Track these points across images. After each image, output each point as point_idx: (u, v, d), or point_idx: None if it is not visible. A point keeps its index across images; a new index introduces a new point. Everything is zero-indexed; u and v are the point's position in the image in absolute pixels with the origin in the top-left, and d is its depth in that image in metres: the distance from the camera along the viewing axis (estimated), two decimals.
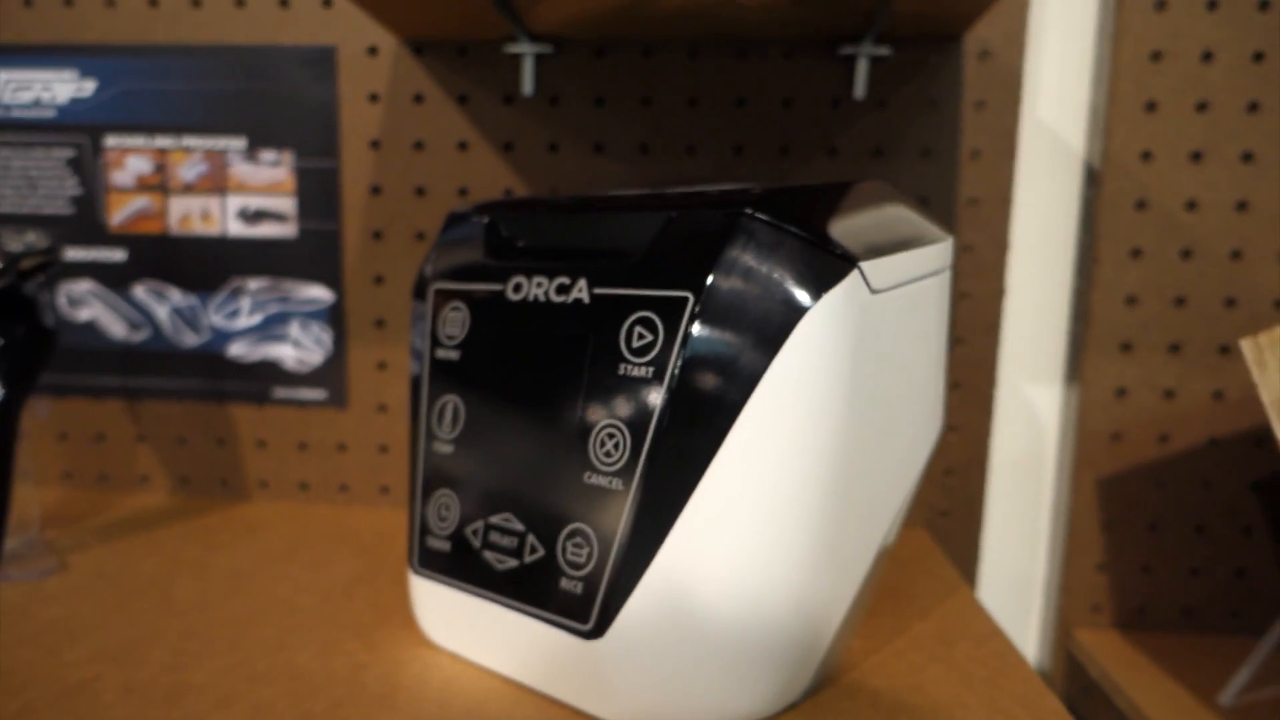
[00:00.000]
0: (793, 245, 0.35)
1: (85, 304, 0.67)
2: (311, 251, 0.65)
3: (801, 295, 0.34)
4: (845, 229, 0.37)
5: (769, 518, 0.35)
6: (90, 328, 0.67)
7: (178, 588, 0.51)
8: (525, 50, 0.60)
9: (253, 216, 0.65)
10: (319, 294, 0.65)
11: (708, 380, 0.35)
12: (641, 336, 0.36)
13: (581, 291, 0.39)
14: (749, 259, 0.35)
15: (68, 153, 0.65)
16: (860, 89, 0.59)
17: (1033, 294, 0.64)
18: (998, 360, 0.63)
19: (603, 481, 0.36)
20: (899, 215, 0.43)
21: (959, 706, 0.39)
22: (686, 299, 0.35)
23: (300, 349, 0.66)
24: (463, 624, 0.42)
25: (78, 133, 0.65)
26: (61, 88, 0.65)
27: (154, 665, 0.41)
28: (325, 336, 0.66)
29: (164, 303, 0.66)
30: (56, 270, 0.58)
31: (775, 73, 0.60)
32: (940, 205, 0.61)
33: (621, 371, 0.37)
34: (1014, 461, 0.66)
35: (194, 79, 0.64)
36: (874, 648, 0.45)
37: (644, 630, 0.36)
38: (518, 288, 0.41)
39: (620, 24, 0.56)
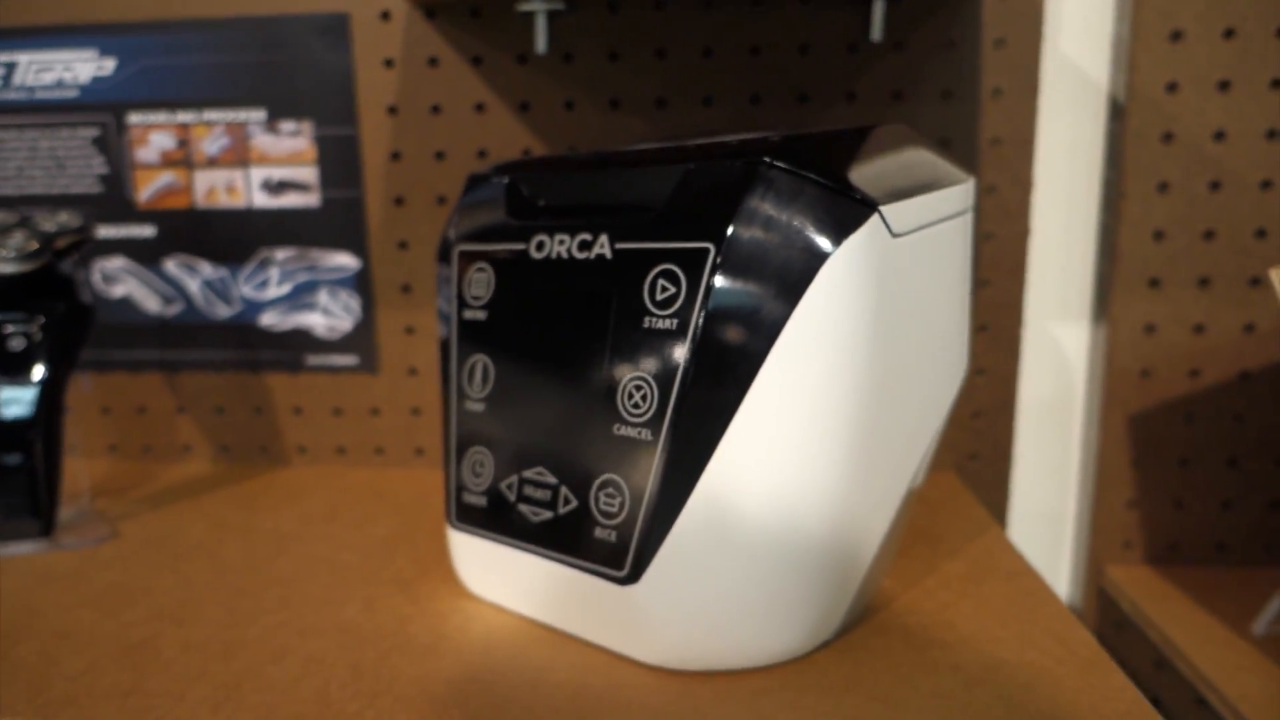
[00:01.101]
0: (812, 192, 0.35)
1: (119, 280, 0.68)
2: (335, 220, 0.66)
3: (823, 241, 0.35)
4: (865, 174, 0.37)
5: (797, 462, 0.36)
6: (126, 303, 0.69)
7: (226, 550, 0.53)
8: (537, 7, 0.60)
9: (276, 187, 0.66)
10: (345, 261, 0.66)
11: (731, 330, 0.35)
12: (664, 289, 0.37)
13: (604, 247, 0.39)
14: (769, 208, 0.35)
15: (93, 132, 0.66)
16: (877, 31, 0.58)
17: (1059, 233, 0.63)
18: (1024, 301, 0.63)
19: (632, 433, 0.37)
20: (919, 158, 0.42)
21: (990, 640, 0.40)
22: (708, 250, 0.36)
23: (330, 316, 0.67)
24: (501, 575, 0.43)
25: (101, 111, 0.66)
26: (82, 67, 0.65)
27: (209, 623, 0.43)
28: (353, 303, 0.67)
29: (195, 276, 0.68)
30: (90, 248, 0.59)
31: (790, 19, 0.60)
32: (962, 146, 0.60)
33: (646, 325, 0.37)
34: (1043, 402, 0.66)
35: (212, 52, 0.64)
36: (904, 588, 0.46)
37: (677, 575, 0.36)
38: (540, 246, 0.42)
39: None
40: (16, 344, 0.54)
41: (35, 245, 0.54)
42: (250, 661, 0.39)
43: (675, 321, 0.36)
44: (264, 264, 0.67)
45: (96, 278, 0.69)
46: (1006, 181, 0.60)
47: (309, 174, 0.65)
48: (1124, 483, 0.62)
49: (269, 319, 0.68)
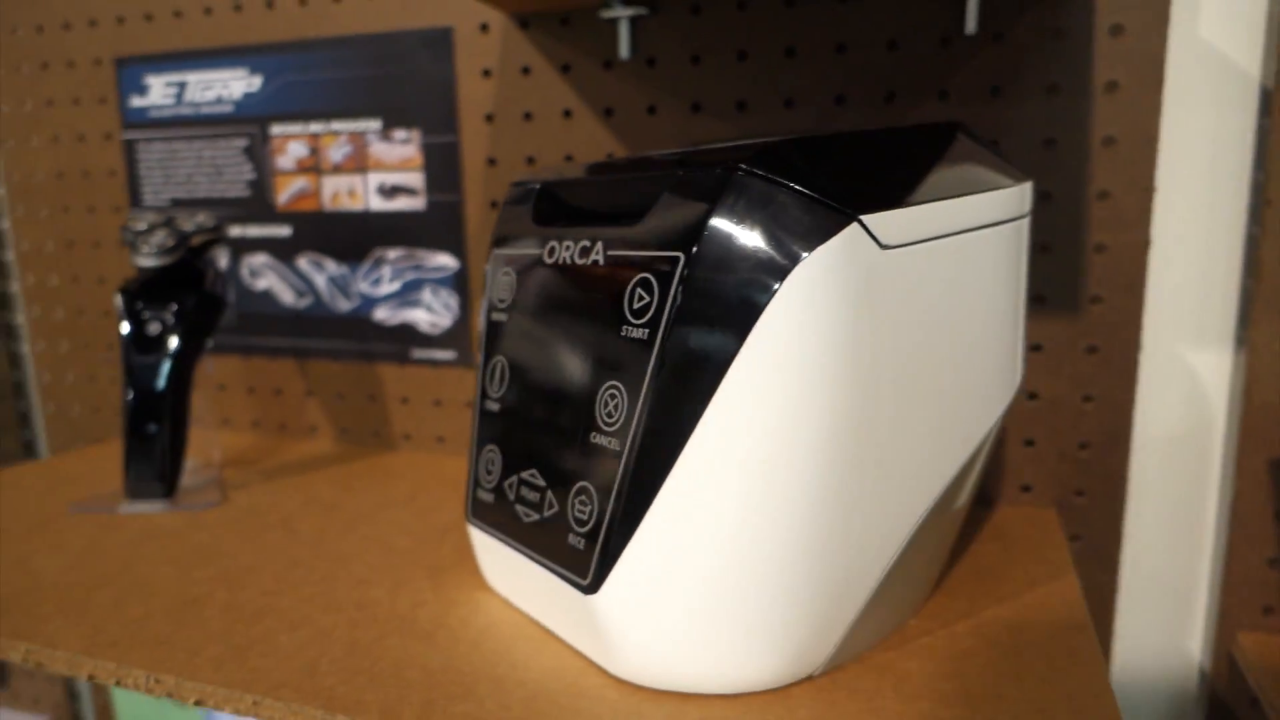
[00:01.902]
0: (784, 200, 0.33)
1: (261, 275, 0.76)
2: (438, 222, 0.70)
3: (787, 251, 0.33)
4: (858, 180, 0.35)
5: (760, 481, 0.34)
6: (267, 295, 0.77)
7: (304, 524, 0.57)
8: (620, 14, 0.60)
9: (389, 191, 0.71)
10: (446, 261, 0.70)
11: (694, 341, 0.34)
12: (641, 298, 0.36)
13: (599, 254, 0.39)
14: (738, 217, 0.34)
15: (243, 142, 0.74)
16: (972, 22, 0.54)
17: (1194, 244, 0.55)
18: (1143, 321, 0.55)
19: (604, 441, 0.37)
20: (958, 162, 0.39)
21: (992, 698, 0.36)
22: (678, 259, 0.35)
23: (432, 313, 0.71)
24: (505, 571, 0.44)
25: (250, 124, 0.74)
26: (236, 84, 0.74)
27: (255, 589, 0.48)
28: (453, 301, 0.70)
29: (322, 272, 0.74)
30: (222, 245, 0.67)
31: (878, 13, 0.56)
32: (1069, 147, 0.54)
33: (624, 333, 0.37)
34: (1167, 437, 0.57)
35: (337, 68, 0.70)
36: (930, 628, 0.42)
37: (635, 589, 0.36)
38: (551, 251, 0.42)
39: None
40: (153, 328, 0.62)
41: (172, 242, 0.62)
42: (269, 628, 0.43)
43: (646, 331, 0.36)
44: (378, 263, 0.72)
45: (244, 272, 0.77)
46: (1121, 186, 0.53)
47: (417, 179, 0.69)
48: (1263, 537, 0.53)
49: (381, 314, 0.73)
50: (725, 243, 0.34)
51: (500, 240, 0.47)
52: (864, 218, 0.33)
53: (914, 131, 0.40)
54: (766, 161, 0.34)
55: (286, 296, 0.76)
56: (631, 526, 0.36)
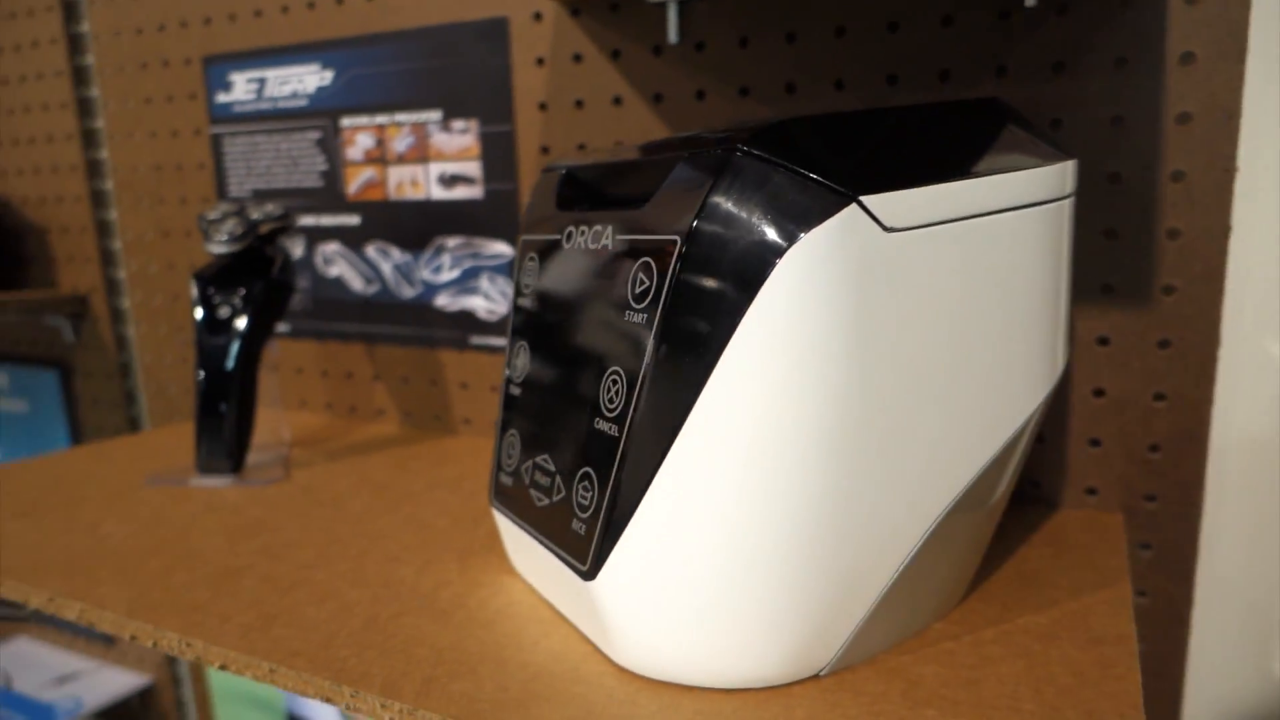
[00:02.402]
0: (780, 180, 0.32)
1: (334, 262, 0.79)
2: (495, 210, 0.71)
3: (783, 233, 0.31)
4: (866, 159, 0.33)
5: (756, 468, 0.33)
6: (339, 282, 0.80)
7: (353, 502, 0.59)
8: None
9: (449, 181, 0.72)
10: (502, 249, 0.71)
11: (690, 325, 0.33)
12: (642, 282, 0.36)
13: (609, 238, 0.39)
14: (734, 198, 0.33)
15: (316, 134, 0.77)
16: None
17: (1277, 229, 0.50)
18: (1222, 313, 0.51)
19: (606, 427, 0.37)
20: (987, 140, 0.37)
21: (1008, 710, 0.34)
22: (675, 243, 0.34)
23: (489, 300, 0.72)
24: (523, 554, 0.45)
25: (323, 117, 0.77)
26: (309, 79, 0.77)
27: (293, 562, 0.49)
28: (508, 288, 0.71)
29: (388, 260, 0.76)
30: (290, 233, 0.70)
31: None
32: (1140, 124, 0.50)
33: (626, 318, 0.36)
34: (1249, 440, 0.53)
35: (401, 60, 0.72)
36: (956, 633, 0.40)
37: (631, 577, 0.35)
38: (569, 236, 0.42)
39: None
40: (223, 312, 0.65)
41: (241, 230, 0.65)
42: (298, 600, 0.45)
43: (645, 316, 0.35)
44: (439, 250, 0.74)
45: (319, 259, 0.80)
46: (1198, 166, 0.49)
47: (474, 168, 0.71)
48: None
49: (442, 300, 0.75)
50: (721, 224, 0.33)
51: (527, 225, 0.47)
52: (864, 199, 0.32)
53: (939, 109, 0.38)
54: (765, 141, 0.33)
55: (356, 283, 0.79)
56: (628, 513, 0.35)
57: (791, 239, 0.31)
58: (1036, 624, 0.41)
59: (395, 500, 0.60)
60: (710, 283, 0.33)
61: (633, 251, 0.37)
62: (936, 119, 0.37)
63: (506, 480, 0.45)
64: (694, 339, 0.33)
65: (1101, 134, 0.51)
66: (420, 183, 0.73)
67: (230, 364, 0.64)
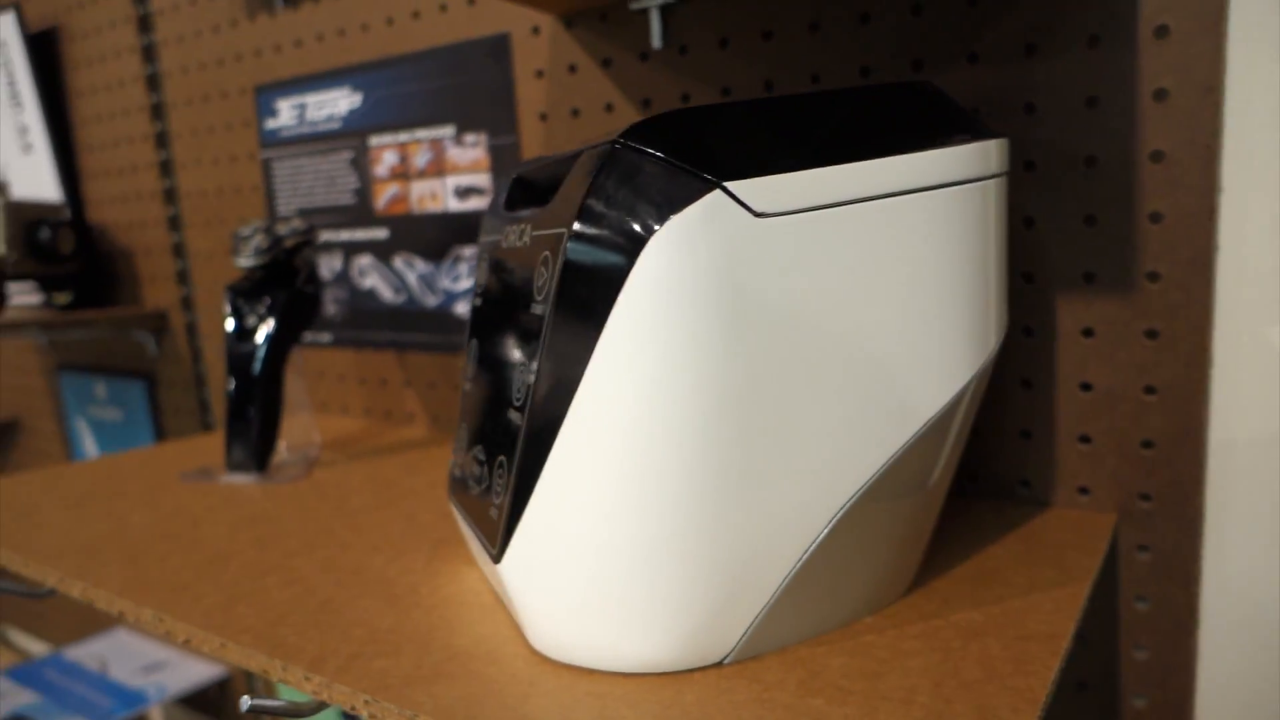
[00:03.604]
0: (651, 169, 0.33)
1: (367, 274, 0.84)
2: None
3: (647, 221, 0.32)
4: (744, 146, 0.33)
5: (635, 453, 0.33)
6: (371, 293, 0.84)
7: (355, 499, 0.63)
8: (648, 3, 0.61)
9: (463, 193, 0.75)
10: None
11: (572, 314, 0.34)
12: (541, 275, 0.37)
13: (527, 236, 0.40)
14: (609, 189, 0.34)
15: (349, 154, 0.82)
16: None
17: (1275, 208, 0.47)
18: (1214, 300, 0.48)
19: (514, 416, 0.38)
20: (897, 122, 0.36)
21: (899, 702, 0.33)
22: (563, 235, 0.35)
23: None
24: (469, 542, 0.46)
25: (354, 137, 0.81)
26: (342, 102, 0.81)
27: (279, 550, 0.53)
28: None
29: (413, 270, 0.80)
30: (315, 247, 0.74)
31: None
32: (1116, 104, 0.48)
33: (532, 310, 0.38)
34: (1255, 436, 0.49)
35: (418, 80, 0.76)
36: (882, 626, 0.39)
37: (529, 560, 0.37)
38: (506, 237, 0.44)
39: None
40: (250, 322, 0.70)
41: (266, 245, 0.70)
42: (268, 584, 0.48)
43: (542, 307, 0.36)
44: (457, 260, 0.77)
45: (354, 271, 0.85)
46: (1178, 145, 0.47)
47: (485, 180, 0.73)
48: None
49: (462, 308, 0.78)
50: (598, 215, 0.34)
51: (483, 229, 0.49)
52: (730, 184, 0.32)
53: (855, 93, 0.37)
54: (643, 132, 0.34)
55: (386, 293, 0.83)
56: (525, 498, 0.36)
57: (657, 225, 0.32)
58: (970, 620, 0.39)
59: (395, 497, 0.63)
60: (587, 272, 0.34)
61: (539, 247, 0.38)
62: (846, 103, 0.37)
63: (456, 472, 0.47)
64: (575, 328, 0.34)
65: (1077, 116, 0.49)
66: (439, 195, 0.77)
67: (256, 370, 0.69)
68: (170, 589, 0.47)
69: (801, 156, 0.33)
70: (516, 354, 0.39)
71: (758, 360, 0.33)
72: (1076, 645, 0.54)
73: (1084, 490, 0.52)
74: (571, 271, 0.34)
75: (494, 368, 0.42)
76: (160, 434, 1.12)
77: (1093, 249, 0.50)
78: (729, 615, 0.36)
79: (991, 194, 0.38)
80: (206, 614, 0.44)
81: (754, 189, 0.32)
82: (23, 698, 1.09)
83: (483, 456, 0.42)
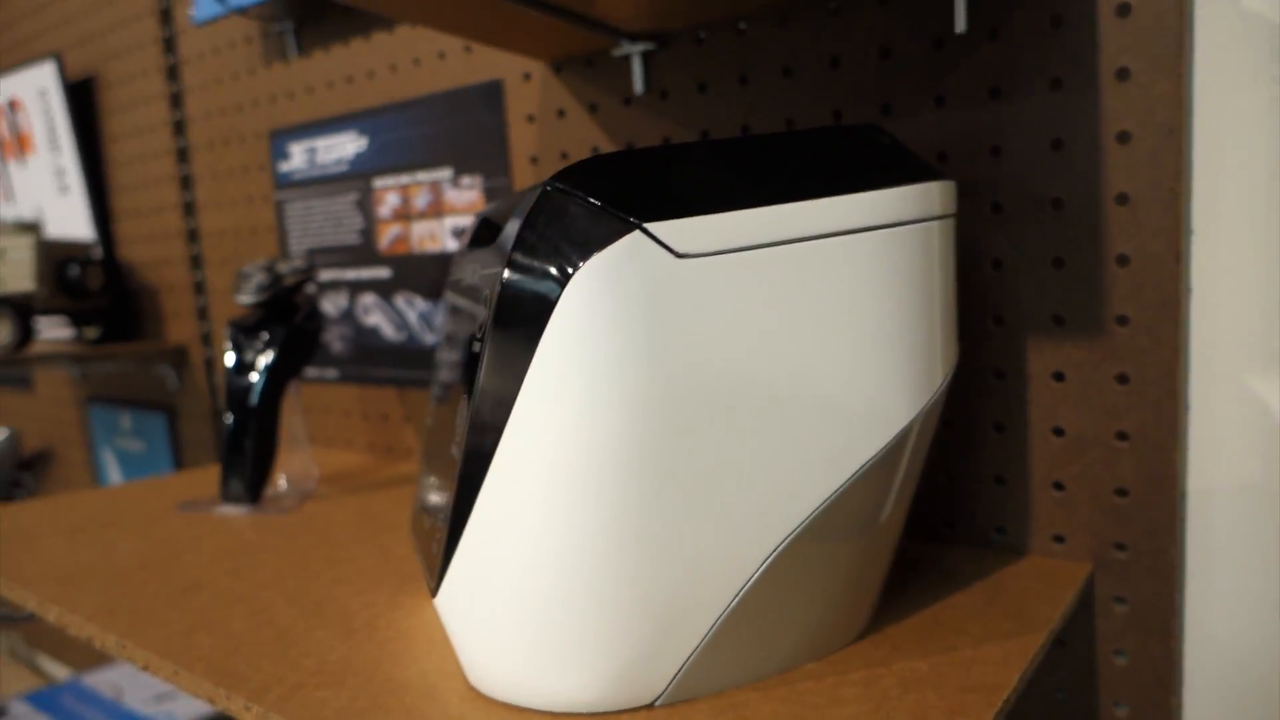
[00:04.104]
0: (576, 210, 0.34)
1: (371, 312, 0.86)
2: None
3: (569, 260, 0.33)
4: (669, 188, 0.34)
5: (557, 494, 0.34)
6: (375, 331, 0.86)
7: (338, 531, 0.64)
8: (629, 50, 0.62)
9: (461, 233, 0.77)
10: None
11: (501, 353, 0.35)
12: (482, 314, 0.38)
13: (476, 275, 0.41)
14: (539, 230, 0.34)
15: (355, 196, 0.85)
16: (961, 21, 0.50)
17: (1249, 249, 0.46)
18: (1190, 344, 0.47)
19: (455, 452, 0.39)
20: (839, 165, 0.36)
21: None
22: (500, 274, 0.36)
23: None
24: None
25: (359, 179, 0.84)
26: (349, 146, 0.84)
27: (252, 581, 0.54)
28: None
29: (413, 309, 0.82)
30: (314, 286, 0.76)
31: (869, 22, 0.53)
32: (1079, 146, 0.48)
33: (474, 349, 0.38)
34: (1237, 484, 0.48)
35: (418, 125, 0.78)
36: (823, 673, 0.39)
37: (461, 596, 0.37)
38: (464, 276, 0.45)
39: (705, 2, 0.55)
40: (249, 356, 0.72)
41: (266, 282, 0.72)
42: (233, 613, 0.49)
43: (480, 345, 0.37)
44: None
45: (359, 310, 0.87)
46: (1142, 187, 0.46)
47: None
48: None
49: None
50: (528, 255, 0.34)
51: (451, 269, 0.50)
52: (651, 225, 0.33)
53: (796, 137, 0.38)
54: (573, 176, 0.35)
55: (388, 331, 0.85)
56: (459, 533, 0.37)
57: (579, 264, 0.33)
58: (914, 669, 0.39)
59: (376, 532, 0.63)
60: (517, 309, 0.34)
61: (484, 285, 0.39)
62: (782, 147, 0.37)
63: (415, 507, 0.48)
64: (505, 365, 0.35)
65: (1042, 158, 0.49)
66: (437, 236, 0.79)
67: (253, 403, 0.71)
68: (138, 616, 0.49)
69: (726, 198, 0.34)
70: (459, 390, 0.40)
71: (681, 400, 0.33)
72: (1054, 701, 0.53)
73: (1059, 538, 0.51)
74: (503, 309, 0.35)
75: (445, 405, 0.43)
76: (179, 465, 1.15)
77: (1061, 291, 0.49)
78: (658, 657, 0.36)
79: (936, 236, 0.38)
80: (167, 641, 0.45)
81: (674, 230, 0.33)
82: None
83: (432, 492, 0.43)
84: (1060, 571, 0.49)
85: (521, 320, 0.34)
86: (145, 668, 0.44)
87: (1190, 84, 0.46)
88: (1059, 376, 0.50)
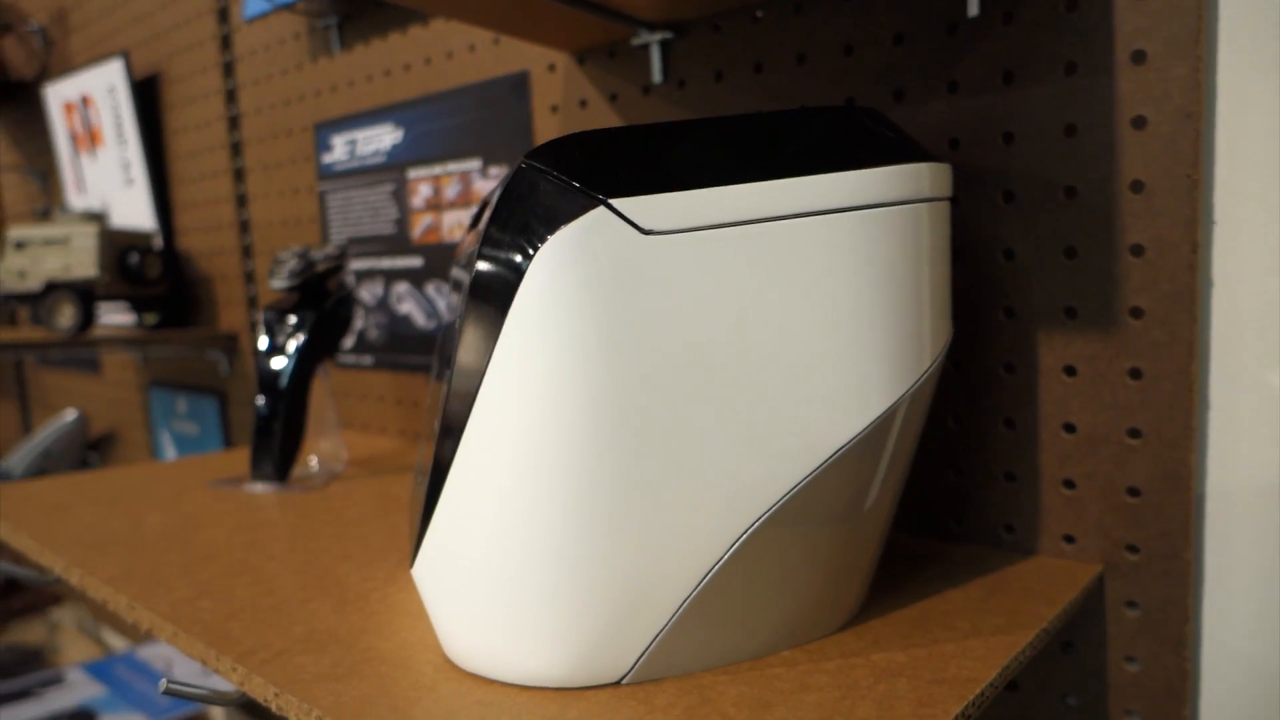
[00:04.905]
0: (545, 187, 0.34)
1: (404, 300, 0.88)
2: None
3: (535, 235, 0.33)
4: (637, 166, 0.34)
5: (522, 466, 0.34)
6: (407, 319, 0.88)
7: (353, 510, 0.65)
8: (648, 39, 0.62)
9: None
10: None
11: (475, 326, 0.35)
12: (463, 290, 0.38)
13: (469, 253, 0.42)
14: (510, 206, 0.35)
15: (391, 186, 0.87)
16: (974, 5, 0.48)
17: (1273, 238, 0.44)
18: (1206, 340, 0.45)
19: (436, 428, 0.39)
20: (819, 145, 0.36)
21: None
22: (476, 249, 0.36)
23: None
24: None
25: (395, 171, 0.86)
26: (386, 138, 0.86)
27: (262, 553, 0.55)
28: None
29: (443, 297, 0.83)
30: (346, 273, 0.78)
31: (882, 7, 0.52)
32: (1093, 132, 0.46)
33: (456, 326, 0.39)
34: (1257, 485, 0.45)
35: (450, 116, 0.79)
36: (798, 660, 0.38)
37: (434, 567, 0.37)
38: (464, 253, 0.46)
39: None
40: (280, 340, 0.74)
41: (299, 268, 0.74)
42: (238, 582, 0.50)
43: (459, 319, 0.38)
44: None
45: (393, 298, 0.89)
46: (1158, 175, 0.44)
47: None
48: None
49: None
50: (499, 231, 0.35)
51: (456, 251, 0.51)
52: (615, 201, 0.33)
53: (774, 117, 0.37)
54: (545, 153, 0.35)
55: (419, 319, 0.86)
56: (433, 506, 0.37)
57: (544, 239, 0.33)
58: (891, 660, 0.38)
59: (390, 511, 0.65)
60: (487, 286, 0.35)
61: (469, 264, 0.39)
62: (763, 126, 0.37)
63: (413, 484, 0.48)
64: (476, 340, 0.35)
65: (1055, 145, 0.47)
66: (466, 226, 0.80)
67: (283, 385, 0.73)
68: (150, 582, 0.51)
69: (696, 176, 0.34)
70: (445, 370, 0.40)
71: (646, 376, 0.33)
72: (1065, 707, 0.51)
73: (1069, 539, 0.49)
74: (476, 285, 0.35)
75: (439, 382, 0.44)
76: (229, 447, 1.19)
77: (1073, 283, 0.48)
78: (624, 634, 0.36)
79: (925, 218, 0.37)
80: (173, 606, 0.47)
81: (640, 206, 0.33)
82: (92, 690, 1.16)
83: (420, 468, 0.43)
84: (1066, 572, 0.48)
85: (491, 294, 0.34)
86: (149, 629, 0.46)
87: (1212, 67, 0.44)
88: (1070, 371, 0.48)
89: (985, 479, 0.52)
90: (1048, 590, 0.45)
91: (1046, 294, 0.49)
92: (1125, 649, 0.48)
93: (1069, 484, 0.49)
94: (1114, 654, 0.49)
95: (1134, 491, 0.47)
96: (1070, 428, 0.49)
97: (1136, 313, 0.46)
